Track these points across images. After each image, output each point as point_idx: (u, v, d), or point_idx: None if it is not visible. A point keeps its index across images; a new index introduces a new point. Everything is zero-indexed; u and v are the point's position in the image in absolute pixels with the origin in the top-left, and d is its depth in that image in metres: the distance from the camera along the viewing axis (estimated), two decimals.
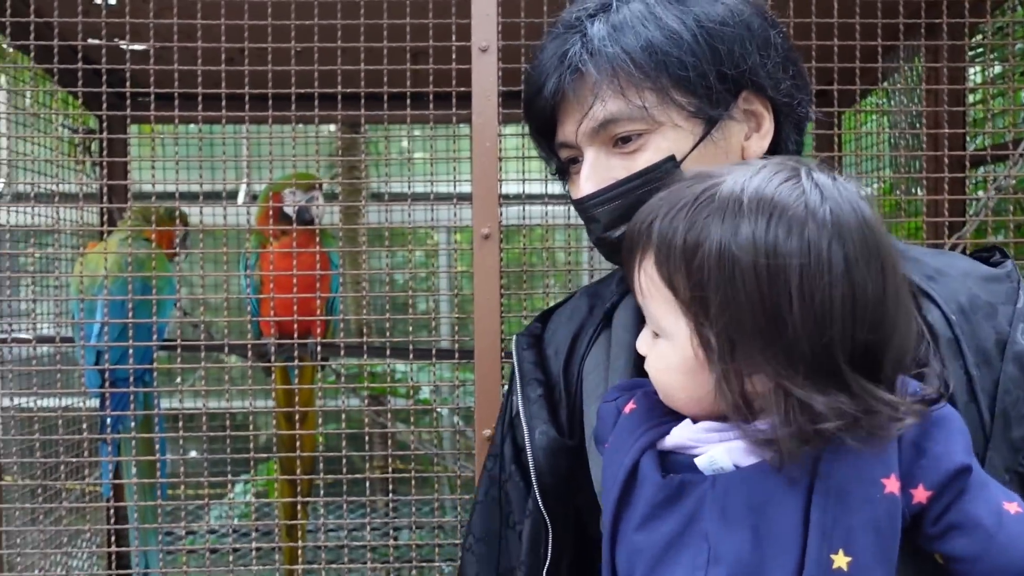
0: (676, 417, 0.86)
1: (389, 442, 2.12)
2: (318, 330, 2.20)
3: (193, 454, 3.39)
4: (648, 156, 0.96)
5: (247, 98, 1.82)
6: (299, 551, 2.25)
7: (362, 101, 1.82)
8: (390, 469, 1.95)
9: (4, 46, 2.18)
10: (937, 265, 0.95)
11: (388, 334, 1.87)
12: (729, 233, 0.76)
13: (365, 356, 2.20)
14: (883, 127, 2.59)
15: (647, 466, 0.84)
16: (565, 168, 1.06)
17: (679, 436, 0.84)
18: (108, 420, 1.89)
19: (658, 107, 0.95)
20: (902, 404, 0.76)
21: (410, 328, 1.87)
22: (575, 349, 1.07)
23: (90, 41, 1.94)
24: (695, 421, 0.84)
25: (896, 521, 0.75)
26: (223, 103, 1.86)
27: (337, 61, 1.79)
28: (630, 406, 0.90)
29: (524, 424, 1.03)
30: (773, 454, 0.76)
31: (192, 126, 2.61)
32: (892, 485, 0.75)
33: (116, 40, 1.95)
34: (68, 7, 1.86)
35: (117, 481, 2.21)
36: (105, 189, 2.44)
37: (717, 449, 0.80)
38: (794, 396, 0.75)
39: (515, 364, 1.09)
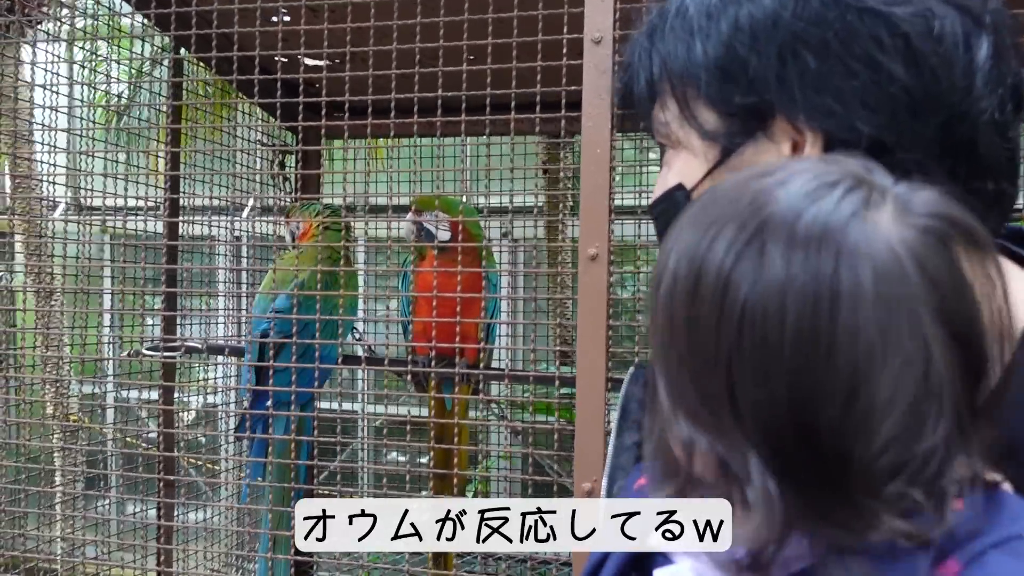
0: None
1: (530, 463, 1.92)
2: (467, 354, 2.06)
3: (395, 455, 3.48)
4: (671, 177, 0.82)
5: (440, 103, 1.68)
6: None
7: (487, 112, 1.63)
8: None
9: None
10: None
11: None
12: (691, 244, 0.59)
13: (508, 383, 2.04)
14: None
15: (611, 563, 0.68)
16: None
17: None
18: (248, 422, 1.92)
19: (678, 122, 0.80)
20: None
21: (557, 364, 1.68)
22: None
23: (272, 54, 2.00)
24: None
25: None
26: (415, 115, 1.77)
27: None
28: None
29: (605, 475, 0.90)
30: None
31: (407, 140, 2.64)
32: None
33: (297, 55, 1.99)
34: (264, 35, 1.87)
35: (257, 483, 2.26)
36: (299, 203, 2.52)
37: (685, 564, 0.62)
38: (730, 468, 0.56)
39: (620, 400, 0.94)
